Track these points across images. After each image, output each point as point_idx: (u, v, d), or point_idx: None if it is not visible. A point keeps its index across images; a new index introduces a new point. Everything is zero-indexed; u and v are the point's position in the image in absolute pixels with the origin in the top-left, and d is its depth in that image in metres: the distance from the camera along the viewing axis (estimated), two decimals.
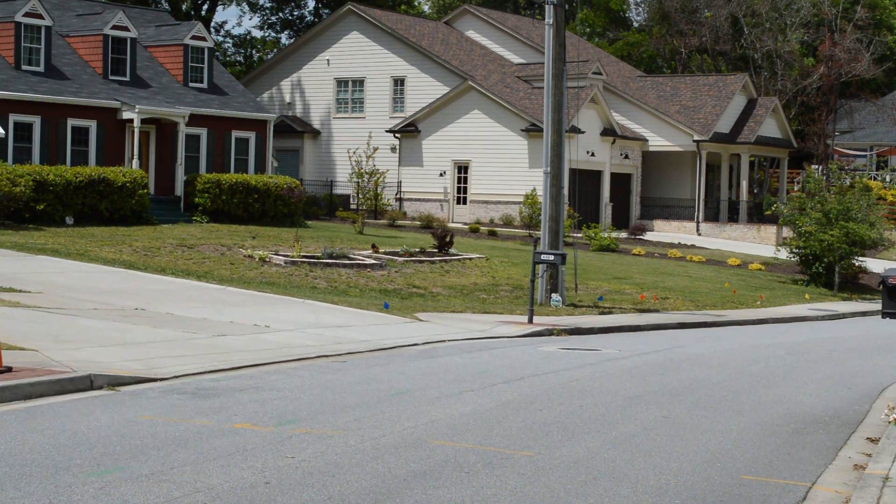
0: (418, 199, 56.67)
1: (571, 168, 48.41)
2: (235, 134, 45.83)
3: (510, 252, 41.30)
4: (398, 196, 57.14)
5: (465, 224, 52.63)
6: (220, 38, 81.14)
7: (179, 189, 42.88)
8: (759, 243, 55.53)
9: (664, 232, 57.85)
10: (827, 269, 42.34)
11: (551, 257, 27.66)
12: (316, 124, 61.06)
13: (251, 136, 46.39)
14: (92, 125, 41.00)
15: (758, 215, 60.23)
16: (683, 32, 72.31)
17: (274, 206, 43.30)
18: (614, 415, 13.64)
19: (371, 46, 59.32)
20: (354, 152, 51.69)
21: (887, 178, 66.48)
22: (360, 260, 33.86)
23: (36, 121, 39.47)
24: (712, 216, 60.61)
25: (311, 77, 61.01)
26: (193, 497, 9.12)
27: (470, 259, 37.28)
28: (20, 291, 22.38)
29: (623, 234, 52.15)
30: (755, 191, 65.05)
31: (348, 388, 14.84)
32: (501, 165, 54.55)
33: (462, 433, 12.02)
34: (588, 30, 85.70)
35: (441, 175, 56.11)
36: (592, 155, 55.22)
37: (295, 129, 60.40)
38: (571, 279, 32.99)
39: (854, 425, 13.74)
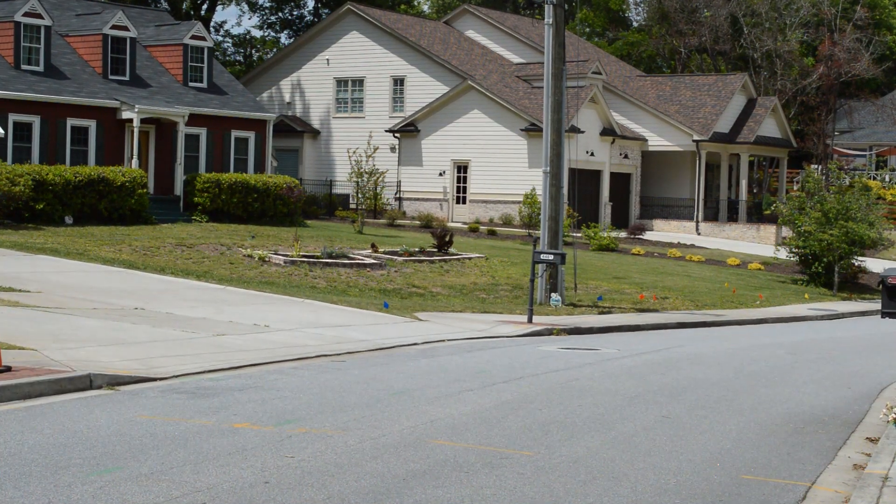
0: (418, 199, 56.67)
1: (571, 168, 48.38)
2: (235, 133, 45.83)
3: (510, 252, 41.30)
4: (398, 196, 57.14)
5: (465, 224, 52.63)
6: (220, 38, 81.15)
7: (179, 188, 42.87)
8: (758, 243, 55.54)
9: (664, 231, 57.85)
10: (826, 269, 42.33)
11: (551, 257, 27.67)
12: (315, 124, 61.05)
13: (251, 135, 46.38)
14: (91, 125, 41.00)
15: (757, 215, 60.24)
16: (683, 32, 72.30)
17: (273, 206, 43.30)
18: (614, 414, 13.64)
19: (371, 46, 59.32)
20: (354, 152, 51.67)
21: (886, 178, 66.48)
22: (359, 259, 33.86)
23: (35, 120, 39.46)
24: (712, 216, 60.60)
25: (310, 77, 61.01)
26: (193, 496, 9.11)
27: (469, 259, 37.28)
28: (20, 291, 22.38)
29: (622, 234, 52.16)
30: (755, 190, 65.06)
31: (348, 387, 14.84)
32: (501, 165, 54.54)
33: (462, 433, 12.02)
34: (588, 29, 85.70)
35: (440, 175, 56.10)
36: (592, 155, 55.22)
37: (294, 129, 60.39)
38: (571, 279, 32.99)
39: (853, 425, 13.74)
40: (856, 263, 43.86)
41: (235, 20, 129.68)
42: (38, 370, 13.86)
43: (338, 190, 57.22)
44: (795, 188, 59.39)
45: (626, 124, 59.07)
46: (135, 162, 41.37)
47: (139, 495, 9.08)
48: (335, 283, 30.25)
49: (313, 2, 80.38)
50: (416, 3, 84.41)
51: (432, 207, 55.60)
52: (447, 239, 38.07)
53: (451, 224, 51.46)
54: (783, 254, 44.83)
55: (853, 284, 43.67)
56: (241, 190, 42.49)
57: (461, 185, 56.04)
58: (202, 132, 44.58)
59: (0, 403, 12.56)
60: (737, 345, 23.41)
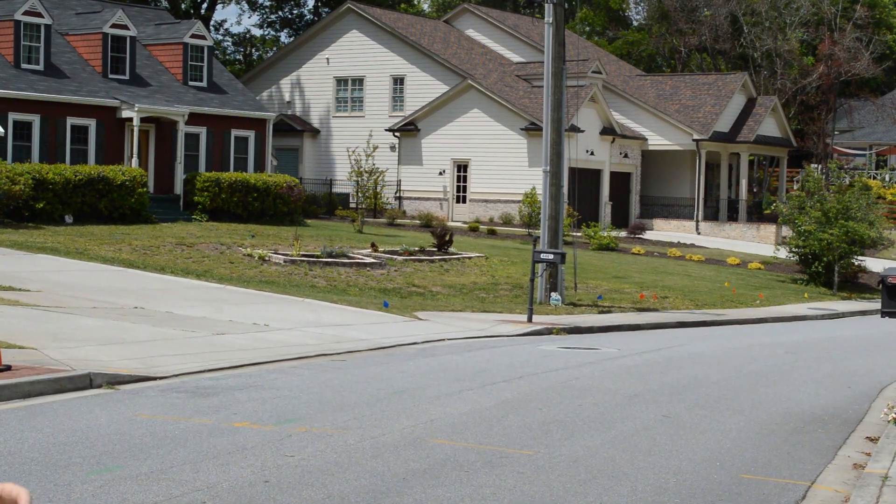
0: (418, 198, 56.66)
1: (571, 167, 48.36)
2: (235, 133, 45.82)
3: (509, 251, 41.30)
4: (398, 195, 57.13)
5: (465, 223, 52.62)
6: (220, 37, 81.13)
7: (179, 187, 42.87)
8: (758, 242, 55.53)
9: (664, 231, 57.85)
10: (826, 269, 42.33)
11: (551, 256, 27.66)
12: (315, 123, 61.04)
13: (251, 134, 46.38)
14: (91, 124, 40.99)
15: (757, 214, 60.23)
16: (683, 31, 72.31)
17: (273, 205, 43.30)
18: (614, 413, 13.64)
19: (371, 45, 59.31)
20: (354, 151, 51.66)
21: (886, 177, 66.48)
22: (359, 259, 33.85)
23: (35, 119, 39.46)
24: (712, 215, 60.60)
25: (310, 76, 61.00)
26: (193, 495, 9.11)
27: (469, 258, 37.28)
28: (19, 290, 22.37)
29: (622, 233, 52.15)
30: (754, 190, 65.06)
31: (348, 386, 14.84)
32: (501, 164, 54.54)
33: (461, 432, 12.01)
34: (588, 28, 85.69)
35: (440, 174, 56.10)
36: (592, 154, 55.21)
37: (294, 128, 60.38)
38: (571, 278, 32.99)
39: (853, 424, 13.74)
40: (856, 263, 43.86)
41: (235, 19, 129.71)
42: (38, 369, 13.86)
43: (338, 189, 57.21)
44: (795, 187, 59.39)
45: (626, 123, 59.07)
46: (135, 161, 41.36)
47: (139, 494, 9.07)
48: (335, 283, 30.24)
49: (313, 1, 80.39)
50: (416, 2, 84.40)
51: (432, 207, 55.59)
52: (447, 238, 38.07)
53: (451, 223, 51.45)
54: (783, 253, 44.83)
55: (853, 284, 43.67)
56: (240, 189, 42.49)
57: (461, 184, 56.04)
58: (202, 131, 44.57)
59: (0, 402, 12.56)
60: (737, 344, 23.41)
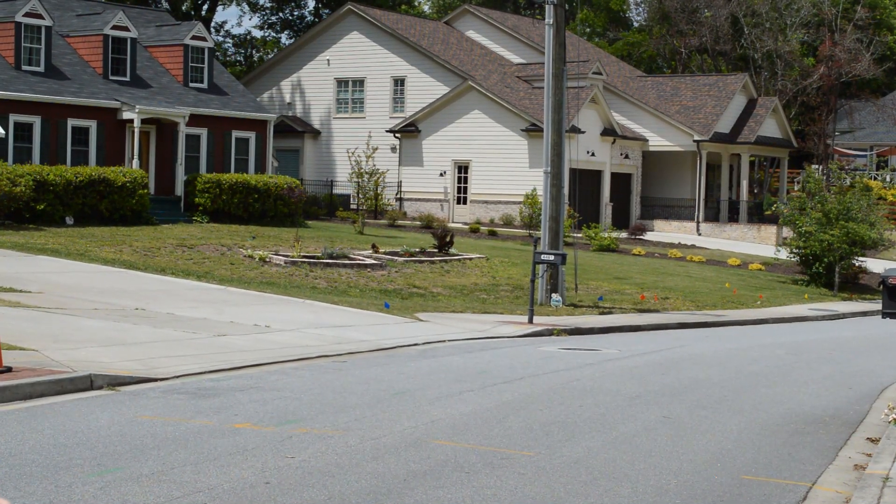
0: (418, 199, 56.67)
1: (571, 168, 48.40)
2: (235, 134, 45.83)
3: (510, 252, 41.30)
4: (398, 196, 57.14)
5: (466, 224, 52.62)
6: (220, 38, 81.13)
7: (179, 189, 42.88)
8: (759, 243, 55.53)
9: (664, 232, 57.85)
10: (827, 270, 42.33)
11: (551, 257, 27.66)
12: (316, 124, 61.06)
13: (251, 136, 46.39)
14: (92, 125, 41.00)
15: (758, 215, 60.22)
16: (683, 32, 72.30)
17: (274, 206, 43.30)
18: (615, 415, 13.64)
19: (371, 46, 59.32)
20: (354, 152, 51.65)
21: (887, 178, 66.48)
22: (360, 260, 33.86)
23: (36, 121, 39.47)
24: (712, 216, 60.60)
25: (311, 77, 61.01)
26: (194, 497, 9.11)
27: (470, 259, 37.28)
28: (20, 291, 22.38)
29: (623, 234, 52.15)
30: (755, 191, 65.04)
31: (349, 387, 14.84)
32: (501, 165, 54.55)
33: (462, 433, 12.01)
34: (588, 30, 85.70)
35: (441, 175, 56.11)
36: (592, 155, 55.21)
37: (295, 129, 60.40)
38: (571, 279, 32.99)
39: (854, 425, 13.74)
40: (856, 264, 43.85)
41: (236, 20, 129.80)
42: (38, 370, 13.86)
43: (338, 190, 57.20)
44: (796, 188, 59.37)
45: (626, 124, 59.07)
46: (135, 162, 41.37)
47: (140, 496, 9.07)
48: (336, 284, 30.25)
49: (314, 2, 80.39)
50: (416, 4, 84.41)
51: (433, 208, 55.60)
52: (448, 239, 38.07)
53: (451, 224, 51.44)
54: (784, 254, 44.82)
55: (854, 285, 43.66)
56: (241, 190, 42.49)
57: (462, 185, 56.05)
58: (203, 132, 44.58)
59: (1, 404, 12.56)
60: (737, 345, 23.41)
